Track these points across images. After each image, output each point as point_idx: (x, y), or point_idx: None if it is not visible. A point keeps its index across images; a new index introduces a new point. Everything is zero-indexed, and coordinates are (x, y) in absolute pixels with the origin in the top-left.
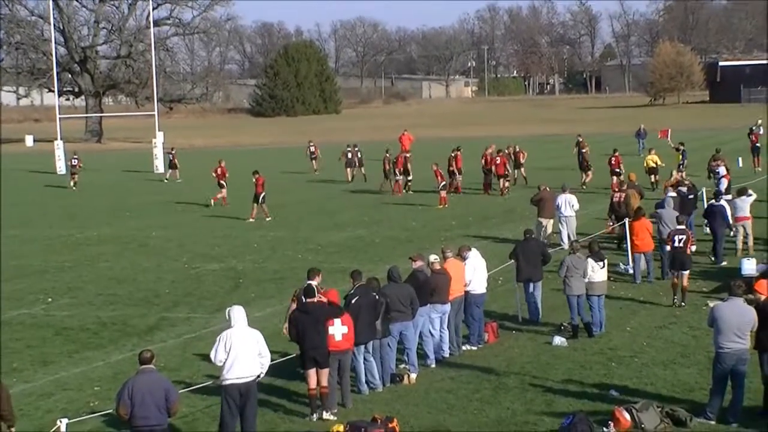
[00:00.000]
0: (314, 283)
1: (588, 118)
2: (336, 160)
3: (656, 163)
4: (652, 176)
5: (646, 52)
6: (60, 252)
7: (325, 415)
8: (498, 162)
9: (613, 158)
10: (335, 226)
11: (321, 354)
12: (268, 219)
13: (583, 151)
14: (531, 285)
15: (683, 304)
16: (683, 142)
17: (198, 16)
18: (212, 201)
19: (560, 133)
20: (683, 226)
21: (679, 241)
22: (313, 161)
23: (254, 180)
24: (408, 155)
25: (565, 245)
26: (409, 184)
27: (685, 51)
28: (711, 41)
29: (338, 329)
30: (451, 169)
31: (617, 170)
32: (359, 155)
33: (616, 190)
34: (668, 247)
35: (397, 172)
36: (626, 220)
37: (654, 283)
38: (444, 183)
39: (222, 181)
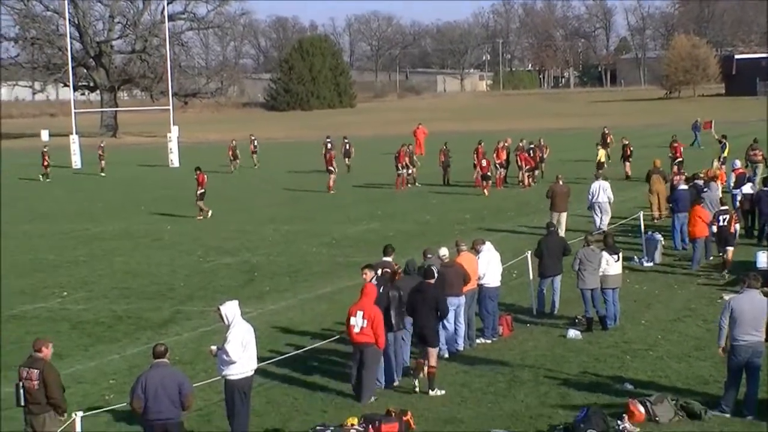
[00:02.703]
0: (389, 259)
1: (603, 112)
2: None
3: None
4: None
5: (661, 45)
6: (74, 246)
7: (431, 393)
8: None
9: (675, 146)
10: (349, 220)
11: (429, 332)
12: (209, 214)
13: (626, 144)
14: (552, 279)
15: (726, 274)
16: (725, 135)
17: (212, 10)
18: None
19: (576, 126)
20: (726, 207)
21: (723, 220)
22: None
23: (195, 177)
24: (410, 148)
25: (603, 228)
26: (411, 175)
27: (700, 44)
28: (726, 34)
29: (359, 321)
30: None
31: (680, 159)
32: (347, 147)
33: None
34: (714, 227)
35: (399, 167)
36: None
37: (669, 277)
38: (486, 173)
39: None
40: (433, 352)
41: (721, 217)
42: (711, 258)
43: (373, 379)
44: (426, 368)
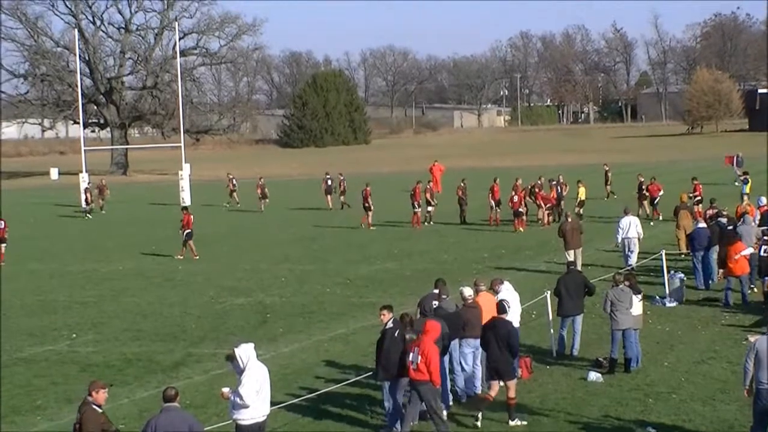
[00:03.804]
0: (436, 291)
1: (623, 148)
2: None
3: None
4: (579, 208)
5: (683, 80)
6: (84, 286)
7: (511, 423)
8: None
9: (694, 184)
10: (364, 259)
11: (503, 366)
12: (195, 258)
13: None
14: (572, 319)
15: None
16: (747, 171)
17: (225, 45)
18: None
19: (596, 162)
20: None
21: (765, 251)
22: (328, 196)
23: (182, 218)
24: (428, 185)
25: (632, 264)
26: (428, 213)
27: (723, 78)
28: (750, 68)
29: (415, 358)
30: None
31: (699, 197)
32: (344, 184)
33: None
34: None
35: (416, 204)
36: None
37: (692, 317)
38: (518, 209)
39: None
40: (511, 384)
41: (763, 247)
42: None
43: (437, 415)
44: (507, 400)
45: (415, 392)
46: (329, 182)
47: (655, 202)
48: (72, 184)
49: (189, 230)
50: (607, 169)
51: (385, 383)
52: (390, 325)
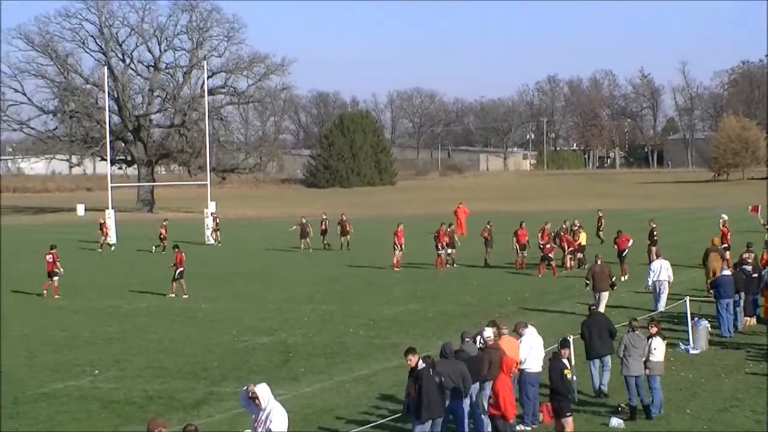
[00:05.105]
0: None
1: (649, 194)
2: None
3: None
4: (580, 254)
5: (709, 126)
6: (108, 323)
7: None
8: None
9: (723, 231)
10: (387, 301)
11: (562, 402)
12: (185, 297)
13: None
14: (602, 359)
15: None
16: None
17: (253, 84)
18: None
19: (621, 208)
20: None
21: None
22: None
23: (174, 255)
24: (450, 227)
25: (661, 308)
26: (450, 256)
27: (750, 125)
28: None
29: (489, 393)
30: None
31: (726, 245)
32: (326, 224)
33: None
34: None
35: (439, 246)
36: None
37: (716, 365)
38: (548, 254)
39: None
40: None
41: None
42: None
43: None
44: None
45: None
46: (303, 226)
47: (623, 254)
48: (97, 221)
49: (181, 268)
50: (600, 215)
51: (424, 424)
52: (422, 365)
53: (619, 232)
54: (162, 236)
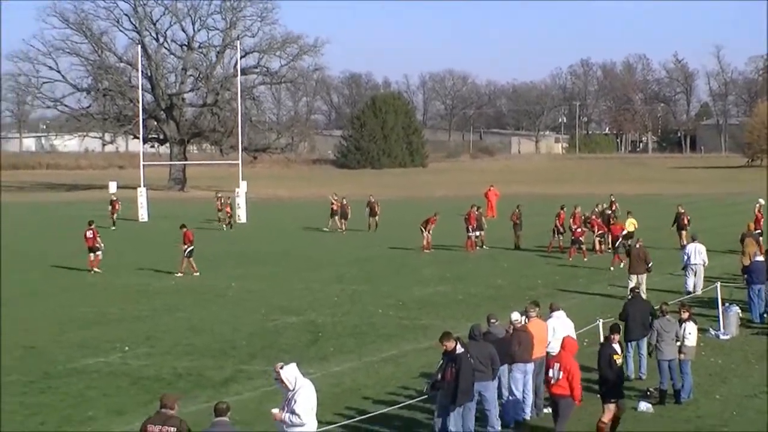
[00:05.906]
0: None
1: (682, 178)
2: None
3: (635, 226)
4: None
5: (743, 112)
6: (137, 301)
7: None
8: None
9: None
10: (417, 282)
11: (608, 388)
12: (196, 274)
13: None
14: (638, 343)
15: None
16: None
17: (286, 65)
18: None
19: (653, 192)
20: None
21: None
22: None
23: (182, 233)
24: (479, 210)
25: (698, 292)
26: (478, 238)
27: None
28: None
29: (555, 373)
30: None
31: (759, 230)
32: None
33: None
34: None
35: (470, 228)
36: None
37: (746, 351)
38: (579, 238)
39: None
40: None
41: None
42: None
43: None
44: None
45: (552, 406)
46: (333, 207)
47: (617, 244)
48: (130, 198)
49: (191, 247)
50: (613, 199)
51: (455, 408)
52: (460, 349)
53: (616, 219)
54: (228, 213)
